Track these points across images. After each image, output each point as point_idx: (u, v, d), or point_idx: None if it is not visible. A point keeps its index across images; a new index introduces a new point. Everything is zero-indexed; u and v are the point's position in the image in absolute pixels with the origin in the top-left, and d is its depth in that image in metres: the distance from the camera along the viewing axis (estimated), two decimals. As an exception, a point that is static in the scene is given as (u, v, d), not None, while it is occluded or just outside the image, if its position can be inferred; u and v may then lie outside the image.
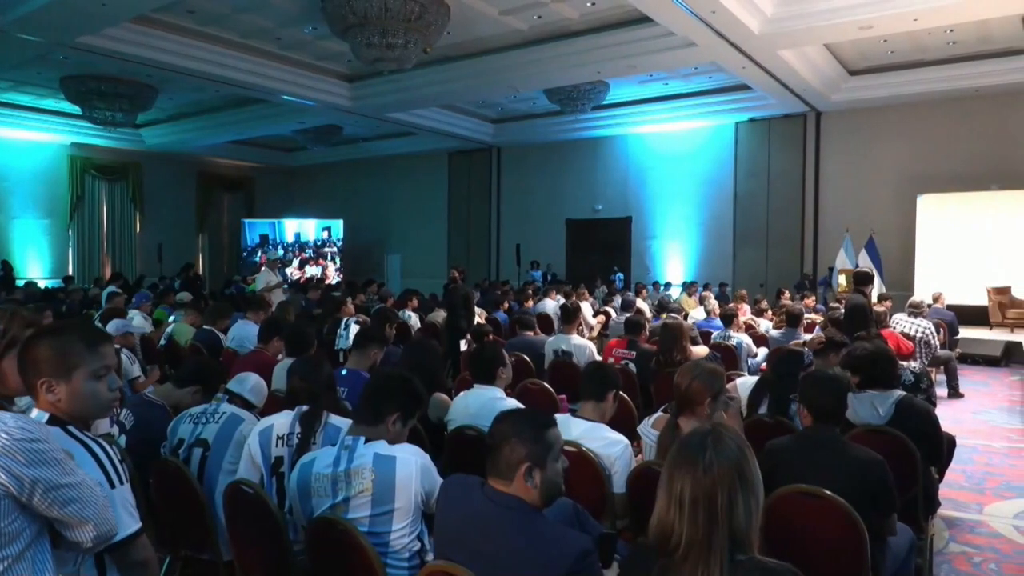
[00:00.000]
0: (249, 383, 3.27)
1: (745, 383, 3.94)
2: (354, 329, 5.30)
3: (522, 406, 3.21)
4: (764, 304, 9.43)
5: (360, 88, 13.58)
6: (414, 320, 8.67)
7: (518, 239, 17.54)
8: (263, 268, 11.37)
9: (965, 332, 10.15)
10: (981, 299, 11.91)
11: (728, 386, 4.05)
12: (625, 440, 2.84)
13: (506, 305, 9.32)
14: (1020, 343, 9.58)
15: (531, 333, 6.02)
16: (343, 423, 2.73)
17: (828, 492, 2.28)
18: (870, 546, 2.26)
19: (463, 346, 6.51)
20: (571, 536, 1.74)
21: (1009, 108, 12.38)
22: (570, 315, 5.71)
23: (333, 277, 19.14)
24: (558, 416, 3.06)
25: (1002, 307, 11.64)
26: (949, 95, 12.54)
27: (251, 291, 11.76)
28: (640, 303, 9.83)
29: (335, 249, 20.08)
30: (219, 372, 3.57)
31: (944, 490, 4.17)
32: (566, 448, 2.76)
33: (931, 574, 3.37)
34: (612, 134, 16.67)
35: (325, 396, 2.82)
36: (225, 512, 2.60)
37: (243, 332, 6.03)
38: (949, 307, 9.90)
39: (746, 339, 6.44)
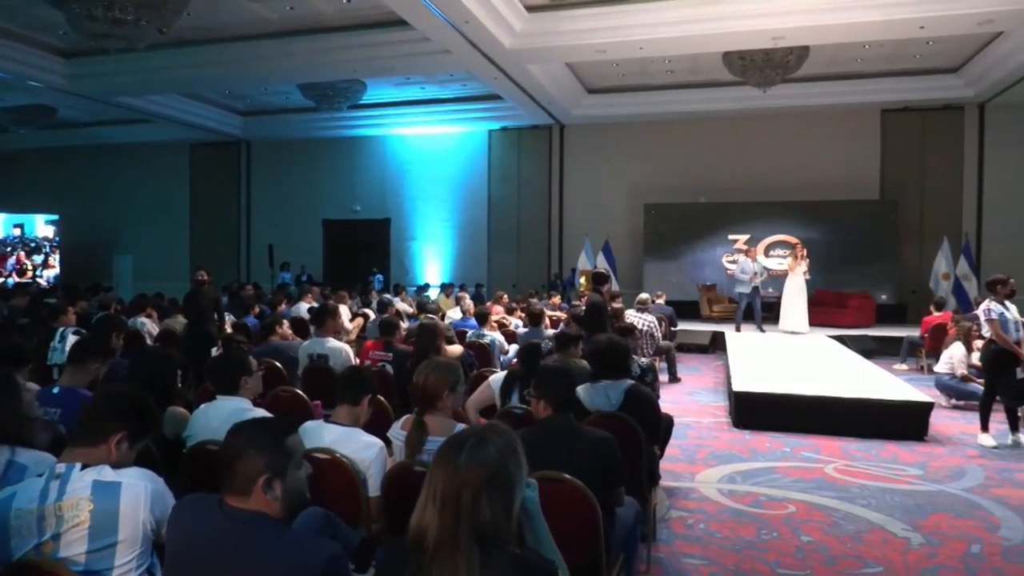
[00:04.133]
0: None
1: (497, 379, 4.13)
2: (71, 340, 4.64)
3: (271, 415, 3.05)
4: (514, 303, 9.99)
5: (79, 66, 11.95)
6: (149, 328, 7.83)
7: (271, 239, 16.66)
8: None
9: (682, 325, 11.67)
10: (694, 295, 13.79)
11: (483, 384, 4.22)
12: (380, 443, 2.83)
13: (256, 309, 8.79)
14: (723, 332, 11.23)
15: (276, 338, 5.76)
16: (36, 460, 2.31)
17: (566, 476, 2.46)
18: (603, 520, 2.50)
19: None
20: (318, 544, 1.68)
21: (714, 131, 14.48)
22: (325, 318, 5.55)
23: (49, 279, 16.62)
24: (310, 423, 2.97)
25: (710, 302, 13.58)
26: (668, 117, 14.34)
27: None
28: (400, 304, 9.86)
29: (48, 248, 17.42)
30: None
31: (664, 464, 4.74)
32: (318, 455, 2.69)
33: (654, 539, 3.81)
34: (371, 134, 16.57)
35: (12, 426, 2.38)
36: None
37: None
38: (668, 303, 11.32)
39: (499, 337, 6.77)
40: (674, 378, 8.96)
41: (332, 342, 5.38)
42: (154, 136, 16.71)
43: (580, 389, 3.62)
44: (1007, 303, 5.89)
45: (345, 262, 17.12)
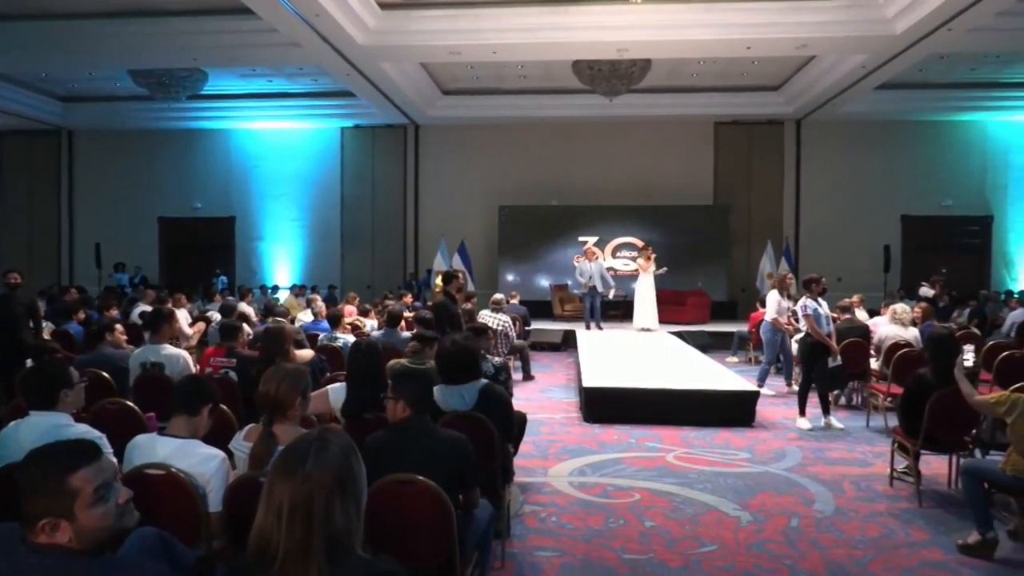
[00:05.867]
0: None
1: (337, 389, 3.92)
2: None
3: (95, 432, 2.80)
4: (368, 305, 9.81)
5: None
6: (-53, 337, 6.90)
7: (98, 238, 15.30)
8: None
9: (536, 324, 11.97)
10: (547, 295, 14.20)
11: (320, 392, 3.93)
12: (221, 454, 2.67)
13: (81, 315, 8.01)
14: (574, 331, 11.64)
15: (107, 345, 5.28)
16: None
17: (420, 477, 2.45)
18: (457, 520, 2.51)
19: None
20: (139, 569, 1.55)
21: (565, 136, 15.01)
22: (160, 323, 5.15)
23: None
24: (141, 437, 2.75)
25: (562, 302, 14.03)
26: (522, 121, 14.69)
27: None
28: (244, 307, 9.36)
29: None
30: None
31: (518, 460, 4.82)
32: (151, 471, 2.49)
33: (509, 535, 3.88)
34: (213, 127, 15.64)
35: None
36: None
37: None
38: (522, 302, 11.57)
39: (352, 339, 6.59)
40: (528, 376, 9.17)
41: (168, 349, 5.00)
42: (-48, 120, 14.79)
43: (435, 389, 3.60)
44: (820, 300, 6.55)
45: (185, 263, 16.04)
